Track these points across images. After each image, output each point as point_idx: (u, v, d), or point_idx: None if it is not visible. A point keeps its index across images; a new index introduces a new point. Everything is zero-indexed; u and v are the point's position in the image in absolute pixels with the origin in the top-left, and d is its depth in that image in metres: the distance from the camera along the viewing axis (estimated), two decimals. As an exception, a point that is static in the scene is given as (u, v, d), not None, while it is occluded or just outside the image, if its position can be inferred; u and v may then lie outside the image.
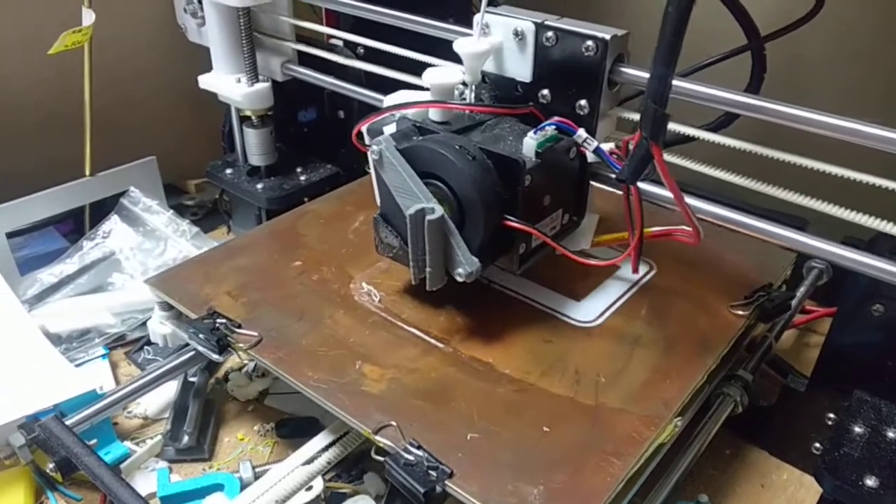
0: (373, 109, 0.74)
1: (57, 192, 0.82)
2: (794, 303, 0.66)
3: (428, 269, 0.51)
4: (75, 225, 0.90)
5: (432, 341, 0.56)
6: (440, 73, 0.57)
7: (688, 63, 0.73)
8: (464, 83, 0.58)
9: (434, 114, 0.56)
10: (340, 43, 0.81)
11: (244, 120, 0.84)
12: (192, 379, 0.68)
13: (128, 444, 0.63)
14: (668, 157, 0.49)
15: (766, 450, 0.64)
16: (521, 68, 0.57)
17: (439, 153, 0.50)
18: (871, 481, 0.48)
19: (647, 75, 0.48)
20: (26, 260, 0.83)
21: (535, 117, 0.57)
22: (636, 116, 0.57)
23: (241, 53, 0.79)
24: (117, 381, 0.71)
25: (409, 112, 0.56)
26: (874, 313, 0.53)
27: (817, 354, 0.59)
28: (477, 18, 0.56)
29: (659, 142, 0.42)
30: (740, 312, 0.59)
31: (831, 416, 0.58)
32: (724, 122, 0.74)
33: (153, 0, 0.93)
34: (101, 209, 0.87)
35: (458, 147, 0.50)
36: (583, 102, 0.55)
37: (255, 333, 0.56)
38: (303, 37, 0.81)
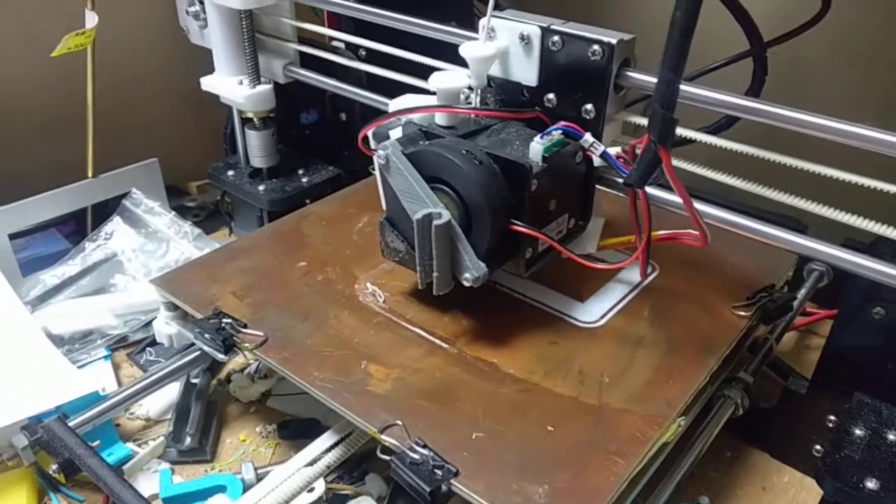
0: (374, 112, 0.75)
1: (59, 193, 0.82)
2: (794, 305, 0.66)
3: (435, 274, 0.51)
4: (77, 226, 0.90)
5: (437, 342, 0.56)
6: (447, 78, 0.57)
7: (690, 67, 0.73)
8: (469, 87, 0.58)
9: (440, 118, 0.56)
10: (342, 45, 0.81)
11: (246, 122, 0.84)
12: (194, 380, 0.68)
13: (130, 445, 0.63)
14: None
15: (767, 452, 0.64)
16: (526, 72, 0.57)
17: (446, 158, 0.50)
18: (871, 483, 0.49)
19: (653, 79, 0.48)
20: (28, 261, 0.83)
21: (540, 122, 0.57)
22: (640, 120, 0.57)
23: (243, 55, 0.79)
24: (119, 383, 0.71)
25: (415, 116, 0.56)
26: (875, 316, 0.53)
27: (818, 357, 0.59)
28: (483, 22, 0.56)
29: (667, 146, 0.43)
30: (742, 313, 0.59)
31: (832, 418, 0.58)
32: (724, 124, 0.74)
33: (155, 2, 0.93)
34: (104, 211, 0.87)
35: (464, 152, 0.50)
36: (589, 107, 0.55)
37: (261, 333, 0.56)
38: (305, 39, 0.82)
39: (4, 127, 0.88)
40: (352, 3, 0.72)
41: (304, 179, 0.87)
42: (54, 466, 0.53)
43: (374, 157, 0.53)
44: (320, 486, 0.56)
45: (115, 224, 0.84)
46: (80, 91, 0.82)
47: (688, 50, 0.39)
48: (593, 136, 0.53)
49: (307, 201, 0.83)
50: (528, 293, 0.61)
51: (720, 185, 0.54)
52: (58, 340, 0.72)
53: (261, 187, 0.86)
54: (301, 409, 0.68)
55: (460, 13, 0.95)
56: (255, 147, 0.85)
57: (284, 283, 0.63)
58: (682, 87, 0.50)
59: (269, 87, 0.81)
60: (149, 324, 0.76)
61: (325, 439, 0.58)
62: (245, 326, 0.57)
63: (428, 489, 0.43)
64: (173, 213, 0.86)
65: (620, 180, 0.56)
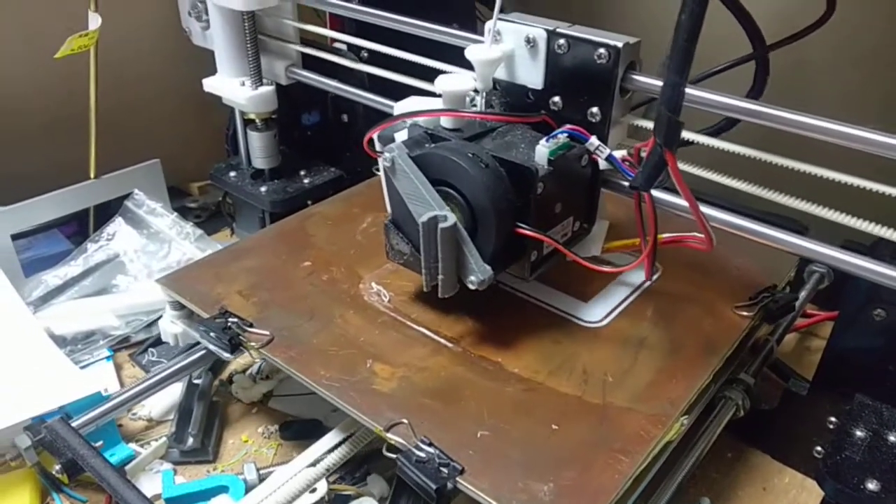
0: (376, 113, 0.75)
1: (62, 194, 0.82)
2: (796, 305, 0.66)
3: (440, 277, 0.51)
4: (79, 227, 0.90)
5: (442, 341, 0.56)
6: (452, 81, 0.57)
7: (693, 69, 0.74)
8: (475, 90, 0.58)
9: (446, 121, 0.56)
10: (344, 46, 0.81)
11: (248, 123, 0.85)
12: (196, 381, 0.68)
13: (133, 445, 0.63)
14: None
15: (768, 453, 0.64)
16: (532, 75, 0.57)
17: (452, 161, 0.50)
18: (872, 485, 0.49)
19: (658, 83, 0.48)
20: (30, 262, 0.83)
21: (546, 124, 0.57)
22: (645, 123, 0.57)
23: (245, 57, 0.80)
24: (121, 383, 0.71)
25: (421, 119, 0.56)
26: (875, 318, 0.53)
27: (818, 358, 0.59)
28: (489, 25, 0.56)
29: (673, 149, 0.43)
30: (745, 313, 0.59)
31: (833, 419, 0.58)
32: (724, 126, 0.75)
33: (158, 4, 0.93)
34: (106, 211, 0.87)
35: (470, 155, 0.51)
36: (594, 110, 0.55)
37: (267, 332, 0.56)
38: (307, 40, 0.82)
39: (7, 128, 0.88)
40: (354, 4, 0.73)
41: (306, 180, 0.87)
42: (57, 467, 0.53)
43: (380, 160, 0.53)
44: (322, 487, 0.56)
45: (118, 225, 0.84)
46: (82, 92, 0.82)
47: (693, 54, 0.39)
48: (599, 139, 0.53)
49: (309, 202, 0.83)
50: (532, 293, 0.61)
51: (720, 187, 0.55)
52: (60, 341, 0.72)
53: (262, 188, 0.86)
54: (303, 409, 0.68)
55: (462, 15, 0.95)
56: (257, 148, 0.85)
57: (289, 283, 0.63)
58: (690, 90, 0.50)
59: (271, 88, 0.81)
60: (151, 325, 0.76)
61: (328, 440, 0.58)
62: (251, 326, 0.57)
63: (434, 487, 0.43)
64: (175, 213, 0.87)
65: (626, 183, 0.56)
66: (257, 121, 0.83)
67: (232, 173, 0.89)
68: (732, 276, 0.64)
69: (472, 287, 0.51)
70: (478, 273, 0.50)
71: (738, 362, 0.60)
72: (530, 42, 0.55)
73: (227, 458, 0.63)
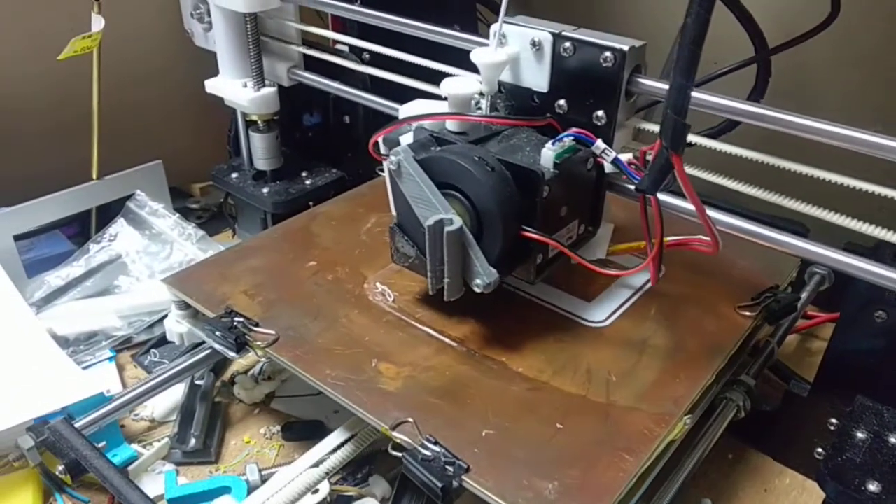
0: (378, 115, 0.75)
1: (64, 195, 0.82)
2: (797, 306, 0.66)
3: (446, 280, 0.51)
4: (81, 228, 0.90)
5: (446, 340, 0.57)
6: (458, 84, 0.57)
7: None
8: (480, 93, 0.58)
9: (451, 124, 0.56)
10: (346, 48, 0.81)
11: (250, 124, 0.85)
12: (198, 382, 0.68)
13: (135, 446, 0.64)
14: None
15: (769, 454, 0.64)
16: (537, 78, 0.57)
17: (458, 164, 0.50)
18: (873, 486, 0.49)
19: (664, 86, 0.48)
20: (32, 263, 0.83)
21: (552, 128, 0.57)
22: (649, 126, 0.57)
23: (247, 58, 0.80)
24: (124, 384, 0.71)
25: (426, 122, 0.57)
26: (877, 320, 0.54)
27: (819, 360, 0.59)
28: (494, 28, 0.56)
29: (679, 152, 0.43)
30: (747, 313, 0.60)
31: (833, 421, 0.58)
32: (725, 127, 0.75)
33: (160, 5, 0.93)
34: (107, 212, 0.87)
35: (476, 158, 0.51)
36: (600, 113, 0.55)
37: (273, 332, 0.57)
38: (309, 42, 0.82)
39: (10, 129, 0.88)
40: (356, 6, 0.73)
41: (308, 182, 0.87)
42: (60, 467, 0.53)
43: (386, 163, 0.53)
44: (324, 488, 0.56)
45: (120, 226, 0.85)
46: (84, 93, 0.82)
47: (699, 57, 0.39)
48: (604, 142, 0.53)
49: (310, 203, 0.83)
50: (536, 293, 0.62)
51: (720, 189, 0.55)
52: (63, 342, 0.72)
53: (264, 189, 0.86)
54: (305, 411, 0.68)
55: (463, 16, 0.95)
56: (259, 149, 0.85)
57: (295, 283, 0.63)
58: (693, 93, 0.50)
59: (273, 89, 0.82)
60: (153, 325, 0.77)
61: (330, 441, 0.59)
62: (256, 325, 0.57)
63: (440, 485, 0.44)
64: (177, 214, 0.87)
65: (632, 186, 0.56)
66: (259, 122, 0.84)
67: (234, 174, 0.89)
68: (734, 277, 0.64)
69: (477, 290, 0.51)
70: (483, 276, 0.50)
71: (739, 363, 0.60)
72: (536, 45, 0.55)
73: (229, 459, 0.64)
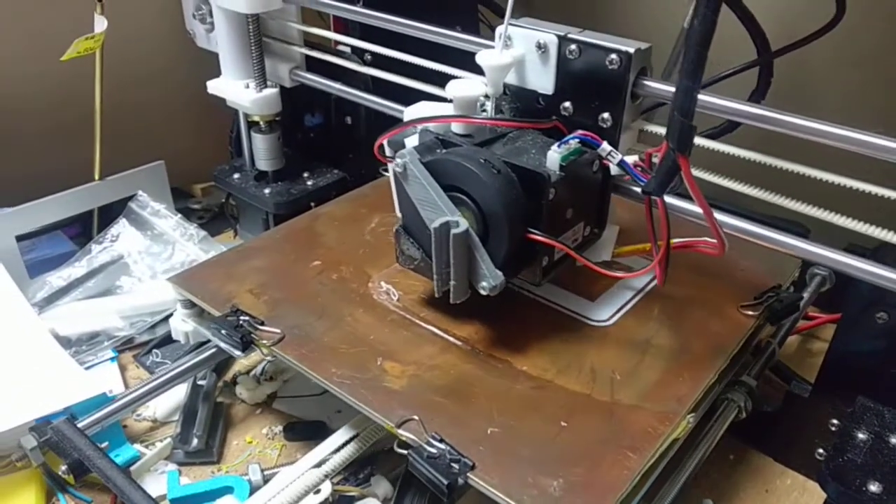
0: (380, 116, 0.75)
1: (66, 195, 0.83)
2: (799, 306, 0.66)
3: (452, 283, 0.51)
4: (82, 228, 0.90)
5: (451, 339, 0.57)
6: (463, 86, 0.57)
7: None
8: (486, 95, 0.58)
9: (457, 126, 0.56)
10: (348, 49, 0.82)
11: (252, 125, 0.85)
12: (201, 382, 0.68)
13: (137, 446, 0.64)
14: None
15: (770, 455, 0.65)
16: (543, 81, 0.57)
17: (464, 167, 0.51)
18: (874, 487, 0.49)
19: (669, 88, 0.48)
20: (34, 263, 0.83)
21: (557, 130, 0.57)
22: (653, 128, 0.57)
23: (249, 59, 0.80)
24: (126, 384, 0.71)
25: (431, 124, 0.57)
26: (878, 321, 0.54)
27: (820, 361, 0.59)
28: (500, 31, 0.56)
29: (686, 154, 0.43)
30: (750, 313, 0.60)
31: (835, 422, 0.58)
32: (726, 128, 0.75)
33: (162, 6, 0.93)
34: (109, 213, 0.87)
35: (482, 161, 0.51)
36: (605, 115, 0.55)
37: (278, 331, 0.57)
38: (311, 43, 0.82)
39: (11, 129, 0.88)
40: (358, 7, 0.73)
41: (310, 182, 0.88)
42: (63, 467, 0.53)
43: (391, 166, 0.53)
44: (326, 488, 0.56)
45: (122, 226, 0.85)
46: (86, 94, 0.82)
47: (706, 59, 0.39)
48: (609, 144, 0.53)
49: (312, 204, 0.83)
50: (540, 292, 0.62)
51: (721, 189, 0.55)
52: (65, 342, 0.72)
53: (266, 190, 0.86)
54: (307, 411, 0.68)
55: (465, 17, 0.95)
56: (261, 150, 0.85)
57: (299, 282, 0.63)
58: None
59: (275, 90, 0.82)
60: (155, 326, 0.77)
61: (332, 441, 0.59)
62: (262, 324, 0.58)
63: (445, 482, 0.44)
64: (179, 215, 0.87)
65: (637, 188, 0.56)
66: (261, 123, 0.84)
67: (235, 175, 0.89)
68: (736, 278, 0.64)
69: (483, 293, 0.51)
70: (489, 279, 0.51)
71: (741, 364, 0.60)
72: (541, 47, 0.56)
73: (231, 459, 0.64)
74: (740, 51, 0.76)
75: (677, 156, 0.43)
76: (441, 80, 0.65)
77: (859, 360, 0.56)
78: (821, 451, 0.60)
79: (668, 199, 0.54)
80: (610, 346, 0.57)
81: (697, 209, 0.49)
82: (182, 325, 0.65)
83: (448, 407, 0.50)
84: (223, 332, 0.57)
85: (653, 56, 0.55)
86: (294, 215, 0.76)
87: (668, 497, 0.51)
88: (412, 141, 0.56)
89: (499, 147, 0.55)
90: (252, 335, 0.57)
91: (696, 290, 0.62)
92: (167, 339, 0.74)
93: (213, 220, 1.00)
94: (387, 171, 0.70)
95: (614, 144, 0.54)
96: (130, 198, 0.87)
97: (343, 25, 0.85)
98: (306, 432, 0.66)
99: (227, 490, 0.58)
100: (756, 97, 0.77)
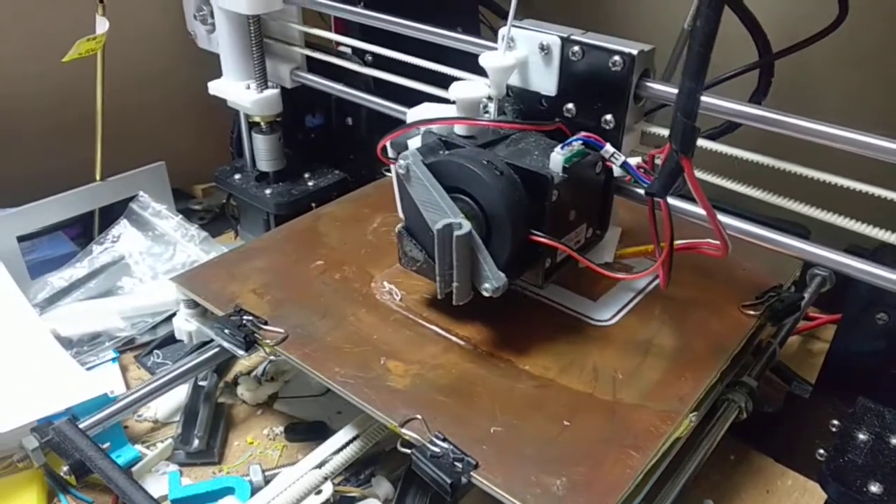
0: (381, 116, 0.75)
1: (68, 196, 0.83)
2: (800, 306, 0.66)
3: (455, 284, 0.51)
4: (83, 229, 0.90)
5: (453, 339, 0.57)
6: (466, 88, 0.57)
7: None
8: (489, 97, 0.58)
9: (460, 128, 0.56)
10: (349, 50, 0.82)
11: (253, 126, 0.85)
12: (201, 383, 0.69)
13: (138, 447, 0.64)
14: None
15: (771, 456, 0.65)
16: (546, 82, 0.57)
17: (468, 168, 0.51)
18: (875, 487, 0.49)
19: (672, 90, 0.48)
20: (35, 264, 0.83)
21: (560, 132, 0.57)
22: (655, 129, 0.57)
23: (250, 60, 0.80)
24: (127, 385, 0.71)
25: (434, 126, 0.57)
26: (878, 322, 0.54)
27: (821, 361, 0.59)
28: (503, 32, 0.56)
29: (689, 155, 0.43)
30: (751, 313, 0.60)
31: (835, 422, 0.58)
32: (726, 129, 0.75)
33: (163, 7, 0.94)
34: (110, 214, 0.87)
35: (485, 162, 0.51)
36: (608, 117, 0.55)
37: (282, 330, 0.57)
38: (312, 43, 0.82)
39: (12, 129, 0.88)
40: (359, 8, 0.73)
41: (311, 183, 0.88)
42: (65, 468, 0.53)
43: (394, 167, 0.53)
44: (328, 489, 0.56)
45: (123, 227, 0.85)
46: (87, 94, 0.82)
47: (709, 60, 0.39)
48: (612, 146, 0.53)
49: (313, 205, 0.83)
50: (542, 292, 0.62)
51: (721, 190, 0.55)
52: (66, 343, 0.72)
53: (267, 191, 0.86)
54: (308, 411, 0.68)
55: (466, 18, 0.96)
56: (262, 151, 0.85)
57: (302, 282, 0.64)
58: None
59: (276, 91, 0.82)
60: (156, 326, 0.77)
61: (333, 442, 0.59)
62: (265, 323, 0.58)
63: (449, 481, 0.44)
64: (180, 216, 0.87)
65: (640, 190, 0.57)
66: (262, 124, 0.84)
67: (236, 175, 0.89)
68: (737, 278, 0.64)
69: (486, 294, 0.51)
70: (492, 280, 0.51)
71: (742, 364, 0.61)
72: (544, 49, 0.56)
73: (232, 460, 0.64)
74: (741, 52, 0.76)
75: (680, 157, 0.43)
76: (441, 80, 0.65)
77: (860, 360, 0.56)
78: (821, 451, 0.60)
79: (673, 200, 0.54)
80: (612, 345, 0.57)
81: (700, 210, 0.49)
82: (185, 325, 0.65)
83: (451, 406, 0.51)
84: (226, 331, 0.57)
85: (654, 57, 0.55)
86: (295, 216, 0.76)
87: (669, 497, 0.51)
88: (415, 142, 0.56)
89: (502, 149, 0.55)
90: (255, 335, 0.57)
91: (698, 290, 0.63)
92: (168, 340, 0.74)
93: (213, 220, 1.00)
94: (388, 171, 0.70)
95: (617, 146, 0.54)
96: (131, 198, 0.87)
97: (344, 26, 0.85)
98: (307, 433, 0.66)
99: (229, 491, 0.58)
100: (757, 98, 0.78)
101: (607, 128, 0.55)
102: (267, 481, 0.59)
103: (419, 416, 0.49)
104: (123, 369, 0.73)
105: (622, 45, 0.53)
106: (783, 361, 0.70)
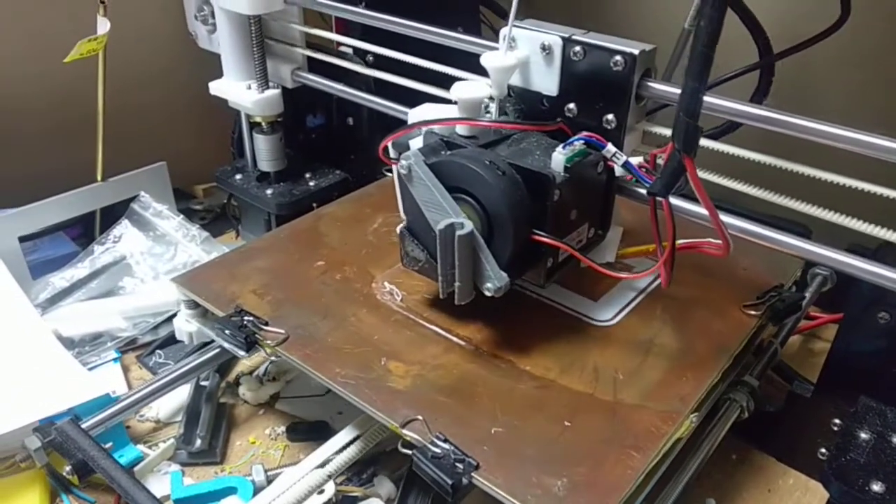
0: (382, 116, 0.76)
1: (69, 196, 0.83)
2: (801, 305, 0.66)
3: (457, 284, 0.52)
4: (84, 229, 0.90)
5: (454, 339, 0.57)
6: (468, 88, 0.57)
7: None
8: (490, 97, 0.58)
9: (461, 128, 0.56)
10: (350, 50, 0.82)
11: (254, 126, 0.85)
12: (203, 383, 0.69)
13: (141, 447, 0.64)
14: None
15: (773, 455, 0.65)
16: (547, 82, 0.57)
17: (470, 168, 0.51)
18: (877, 486, 0.49)
19: (674, 90, 0.48)
20: (36, 264, 0.83)
21: (562, 132, 0.57)
22: (657, 128, 0.57)
23: (251, 60, 0.80)
24: (129, 385, 0.71)
25: (436, 126, 0.57)
26: (880, 321, 0.54)
27: (822, 361, 0.59)
28: (504, 32, 0.56)
29: (692, 155, 0.43)
30: (753, 312, 0.60)
31: (837, 421, 0.58)
32: (727, 128, 0.75)
33: (164, 7, 0.94)
34: (111, 214, 0.87)
35: (487, 162, 0.51)
36: (610, 117, 0.55)
37: (282, 331, 0.57)
38: (313, 44, 0.82)
39: (13, 130, 0.88)
40: (360, 8, 0.73)
41: (312, 183, 0.88)
42: (68, 468, 0.53)
43: (396, 167, 0.53)
44: (330, 489, 0.56)
45: (124, 227, 0.85)
46: (87, 95, 0.82)
47: (712, 60, 0.40)
48: (614, 145, 0.53)
49: (314, 205, 0.83)
50: (543, 292, 0.62)
51: (722, 189, 0.55)
52: (68, 343, 0.72)
53: (268, 191, 0.86)
54: (309, 411, 0.68)
55: (466, 18, 0.96)
56: (263, 151, 0.86)
57: (303, 282, 0.64)
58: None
59: (277, 91, 0.82)
60: (158, 326, 0.77)
61: (335, 442, 0.59)
62: (266, 324, 0.58)
63: (450, 482, 0.44)
64: (181, 216, 0.87)
65: (641, 190, 0.57)
66: (263, 124, 0.84)
67: (237, 176, 0.89)
68: (738, 278, 0.64)
69: (488, 294, 0.52)
70: (494, 280, 0.51)
71: (743, 364, 0.61)
72: (545, 49, 0.56)
73: (234, 460, 0.64)
74: (742, 52, 0.76)
75: (683, 157, 0.43)
76: (442, 80, 0.65)
77: (861, 359, 0.56)
78: (823, 450, 0.60)
79: (675, 200, 0.55)
80: (613, 345, 0.57)
81: (701, 210, 0.49)
82: (186, 326, 0.65)
83: (452, 407, 0.51)
84: (227, 332, 0.57)
85: (655, 57, 0.55)
86: (296, 216, 0.76)
87: (671, 497, 0.52)
88: (417, 143, 0.56)
89: (503, 149, 0.55)
90: (256, 335, 0.57)
91: (699, 289, 0.63)
92: (170, 340, 0.74)
93: (215, 220, 1.00)
94: (390, 172, 0.70)
95: (619, 146, 0.54)
96: (132, 199, 0.87)
97: (345, 26, 0.85)
98: (309, 433, 0.66)
99: (231, 490, 0.58)
100: (758, 98, 0.78)
101: (609, 128, 0.55)
102: (269, 481, 0.60)
103: (420, 417, 0.49)
104: (125, 369, 0.73)
105: (624, 44, 0.53)
106: (784, 361, 0.70)
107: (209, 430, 0.64)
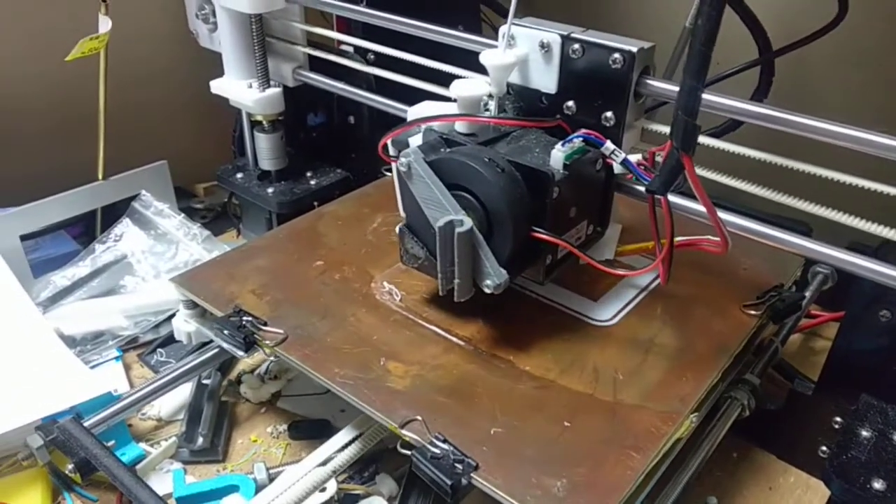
0: (383, 115, 0.76)
1: (70, 195, 0.83)
2: (802, 305, 0.66)
3: (456, 281, 0.52)
4: (85, 228, 0.90)
5: (454, 339, 0.57)
6: (467, 86, 0.57)
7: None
8: (489, 95, 0.58)
9: (461, 126, 0.56)
10: (351, 49, 0.82)
11: (255, 125, 0.85)
12: (205, 381, 0.69)
13: (143, 445, 0.64)
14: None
15: (774, 453, 0.65)
16: (546, 80, 0.57)
17: (469, 166, 0.51)
18: (878, 484, 0.49)
19: (672, 87, 0.48)
20: (37, 263, 0.83)
21: (561, 129, 0.57)
22: (656, 126, 0.57)
23: (252, 59, 0.80)
24: (131, 384, 0.71)
25: (435, 123, 0.57)
26: (881, 319, 0.54)
27: (823, 359, 0.59)
28: (503, 30, 0.56)
29: (690, 153, 0.43)
30: (753, 312, 0.60)
31: (838, 419, 0.58)
32: (728, 127, 0.75)
33: (165, 6, 0.94)
34: (113, 213, 0.88)
35: (487, 159, 0.51)
36: (609, 114, 0.55)
37: (281, 331, 0.57)
38: (314, 42, 0.82)
39: (14, 129, 0.88)
40: (361, 7, 0.73)
41: (313, 182, 0.88)
42: (70, 466, 0.53)
43: (396, 165, 0.53)
44: (332, 487, 0.56)
45: (125, 226, 0.85)
46: (88, 93, 0.82)
47: (710, 58, 0.40)
48: (613, 143, 0.54)
49: (315, 203, 0.83)
50: (543, 292, 0.62)
51: (723, 187, 0.55)
52: (69, 341, 0.72)
53: (269, 189, 0.86)
54: (311, 409, 0.68)
55: (467, 17, 0.96)
56: (264, 150, 0.86)
57: (302, 282, 0.64)
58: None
59: (278, 90, 0.82)
60: (159, 325, 0.77)
61: (337, 440, 0.59)
62: (265, 324, 0.58)
63: (449, 482, 0.44)
64: (182, 215, 0.87)
65: (640, 187, 0.57)
66: (264, 122, 0.84)
67: (238, 174, 0.89)
68: (739, 276, 0.64)
69: (487, 291, 0.52)
70: (494, 277, 0.51)
71: (744, 363, 0.61)
72: (544, 47, 0.56)
73: (236, 458, 0.64)
74: (741, 50, 0.76)
75: (681, 155, 0.43)
76: (444, 79, 0.65)
77: (862, 357, 0.56)
78: (824, 448, 0.60)
79: (673, 198, 0.55)
80: (612, 345, 0.57)
81: (700, 207, 0.49)
82: (184, 326, 0.65)
83: (451, 407, 0.51)
84: (226, 332, 0.57)
85: (655, 55, 0.55)
86: (297, 215, 0.76)
87: (672, 495, 0.52)
88: (416, 140, 0.56)
89: (502, 146, 0.55)
90: (255, 336, 0.57)
91: (699, 288, 0.63)
92: (171, 339, 0.74)
93: (216, 219, 1.00)
94: (390, 170, 0.70)
95: (617, 143, 0.54)
96: (134, 197, 0.87)
97: (346, 25, 0.85)
98: (311, 431, 0.66)
99: (233, 489, 0.59)
100: (758, 96, 0.78)
101: (608, 125, 0.56)
102: (271, 479, 0.60)
103: (419, 418, 0.49)
104: (127, 368, 0.73)
105: (622, 42, 0.53)
106: (785, 359, 0.70)
107: (211, 428, 0.65)
